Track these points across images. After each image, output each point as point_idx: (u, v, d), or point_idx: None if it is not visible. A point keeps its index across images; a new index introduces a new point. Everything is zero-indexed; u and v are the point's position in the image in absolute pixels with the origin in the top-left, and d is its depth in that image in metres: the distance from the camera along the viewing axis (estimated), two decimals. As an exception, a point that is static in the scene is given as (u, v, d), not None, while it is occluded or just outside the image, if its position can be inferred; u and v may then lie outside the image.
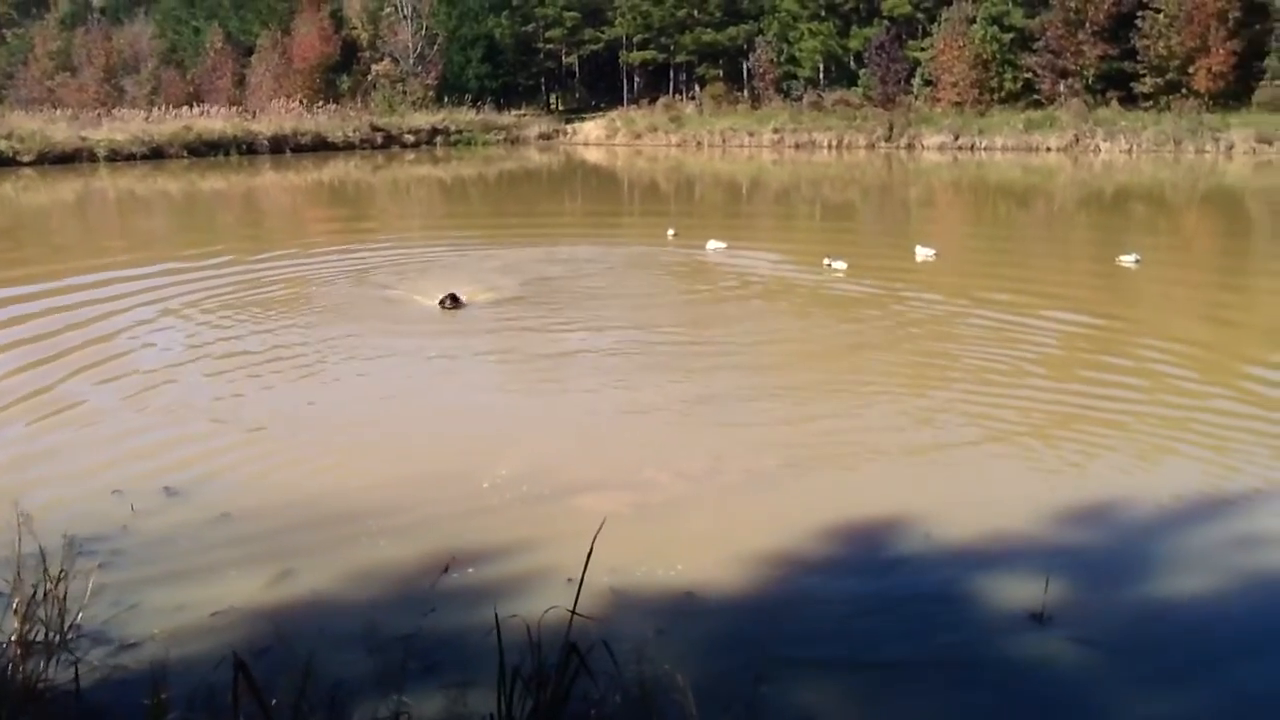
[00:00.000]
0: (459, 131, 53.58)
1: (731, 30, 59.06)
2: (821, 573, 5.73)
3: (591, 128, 57.55)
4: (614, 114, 59.20)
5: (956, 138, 45.48)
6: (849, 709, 4.41)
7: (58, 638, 4.54)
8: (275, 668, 3.99)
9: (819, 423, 8.35)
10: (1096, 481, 7.04)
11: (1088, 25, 46.04)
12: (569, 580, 4.93)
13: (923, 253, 16.43)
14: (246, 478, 7.22)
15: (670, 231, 19.51)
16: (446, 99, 56.64)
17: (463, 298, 12.61)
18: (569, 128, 58.11)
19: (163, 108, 51.81)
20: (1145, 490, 6.82)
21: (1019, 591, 5.34)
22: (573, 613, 3.47)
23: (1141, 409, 8.63)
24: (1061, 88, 47.33)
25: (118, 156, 42.62)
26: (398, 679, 3.86)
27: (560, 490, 6.84)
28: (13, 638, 4.33)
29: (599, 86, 66.84)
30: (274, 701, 3.42)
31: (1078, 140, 42.84)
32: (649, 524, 6.37)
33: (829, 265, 15.37)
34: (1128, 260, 15.71)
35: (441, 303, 12.36)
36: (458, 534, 6.04)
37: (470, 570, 5.58)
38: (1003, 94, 48.76)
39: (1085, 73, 46.73)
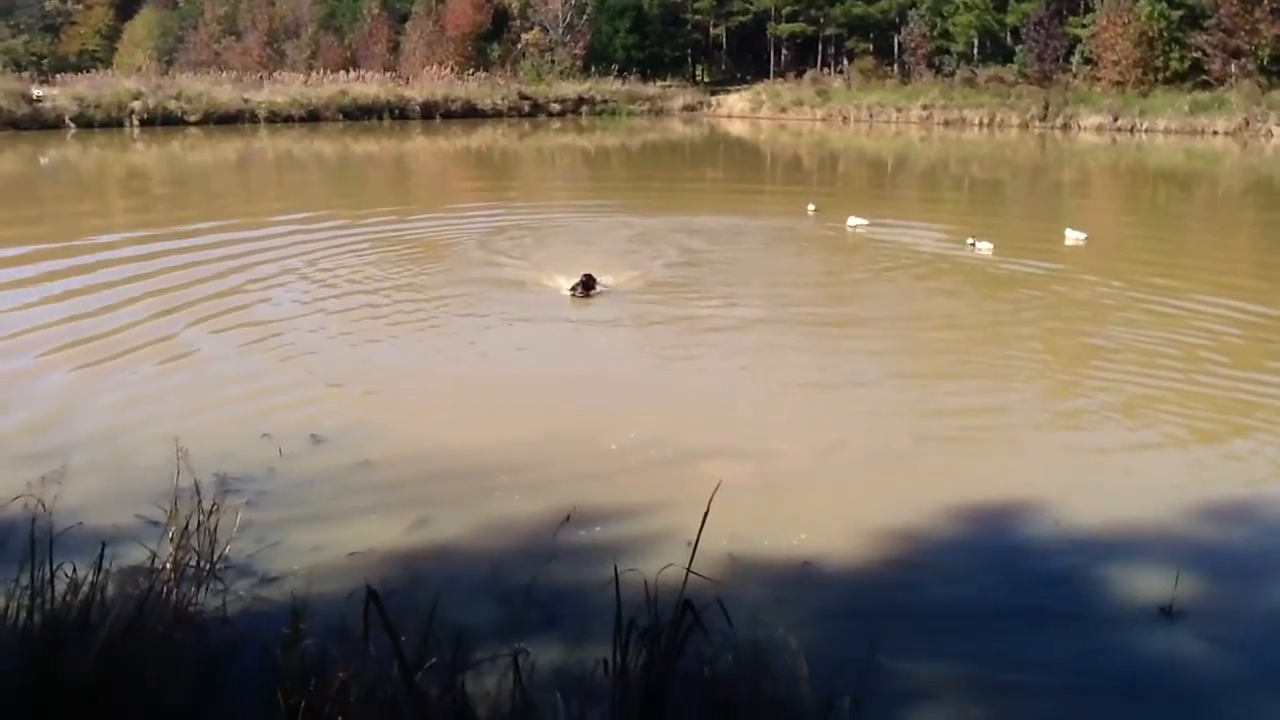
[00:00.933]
0: (604, 101, 53.97)
1: (883, 3, 57.74)
2: (944, 552, 5.66)
3: (736, 100, 57.19)
4: (759, 87, 58.66)
5: (1116, 119, 43.57)
6: (963, 692, 4.37)
7: (208, 566, 4.85)
8: (405, 607, 4.17)
9: (953, 402, 8.21)
10: (1239, 477, 6.76)
11: (1265, 2, 43.41)
12: (688, 543, 5.00)
13: (1073, 236, 15.88)
14: (387, 429, 7.52)
15: (811, 207, 19.33)
16: (593, 69, 57.08)
17: (598, 281, 11.58)
18: (713, 100, 57.87)
19: (320, 72, 53.65)
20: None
21: (1148, 584, 5.19)
22: (688, 570, 3.54)
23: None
24: (1233, 68, 44.76)
25: (277, 118, 44.42)
26: (519, 625, 4.01)
27: (687, 456, 6.93)
28: (167, 564, 4.63)
29: (745, 59, 66.30)
30: (402, 638, 3.59)
31: (1247, 124, 40.51)
32: (772, 494, 6.40)
33: (973, 246, 15.01)
34: (1294, 252, 14.88)
35: (573, 290, 11.37)
36: (584, 492, 6.18)
37: (594, 528, 5.72)
38: (1168, 74, 46.42)
39: (1260, 52, 44.05)
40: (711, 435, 7.44)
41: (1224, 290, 12.57)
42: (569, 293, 11.35)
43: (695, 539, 3.66)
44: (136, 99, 41.98)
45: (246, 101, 44.61)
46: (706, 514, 3.65)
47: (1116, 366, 9.20)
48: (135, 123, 41.31)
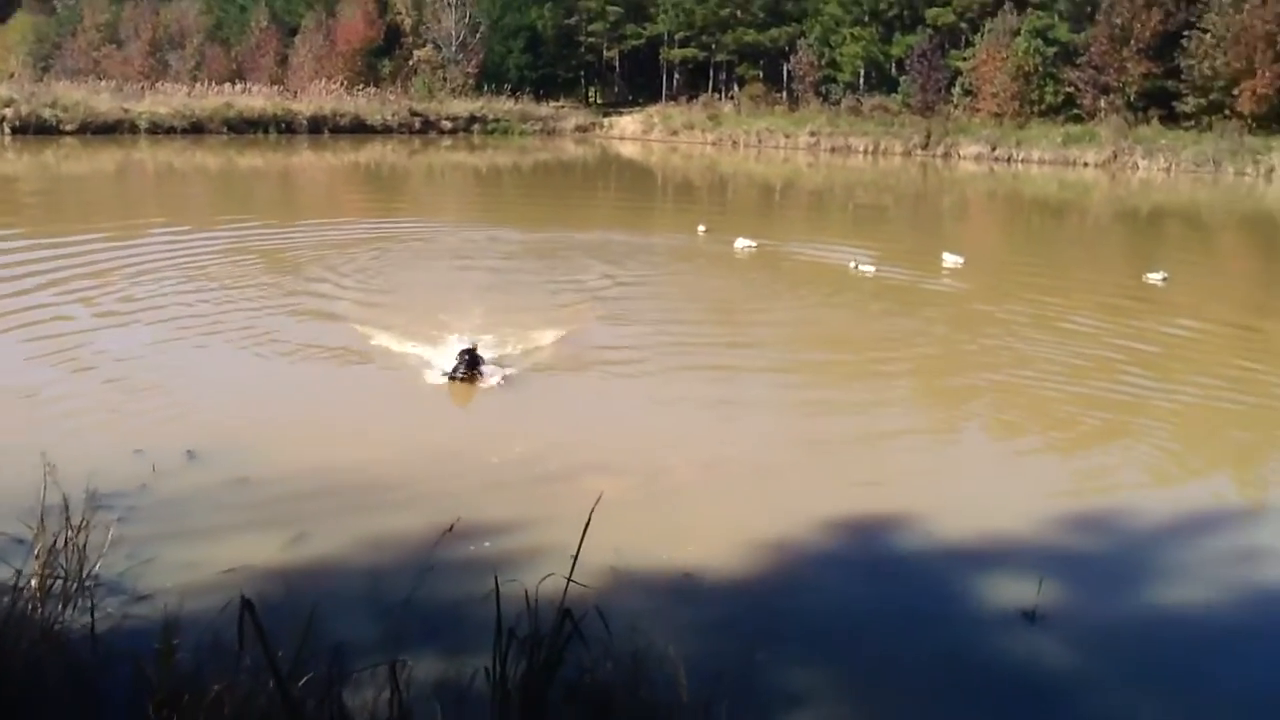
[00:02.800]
0: (496, 120, 53.79)
1: (774, 31, 58.91)
2: (820, 561, 5.83)
3: (628, 123, 57.61)
4: (652, 110, 59.21)
5: (994, 148, 45.20)
6: (837, 695, 4.50)
7: (75, 585, 4.69)
8: (282, 622, 4.11)
9: (833, 417, 8.46)
10: (1103, 487, 7.11)
11: (1133, 43, 45.61)
12: (569, 556, 5.05)
13: (951, 259, 16.43)
14: (264, 445, 7.39)
15: (701, 227, 19.60)
16: (486, 87, 56.87)
17: (480, 359, 8.89)
18: (606, 121, 58.19)
19: (205, 83, 52.32)
20: (1146, 499, 6.90)
21: (1014, 590, 5.42)
22: (569, 580, 3.58)
23: (1150, 420, 8.66)
24: (1102, 103, 46.94)
25: (158, 129, 43.11)
26: (398, 637, 3.99)
27: (569, 471, 6.97)
28: (33, 581, 4.47)
29: (638, 82, 66.87)
30: (279, 651, 3.54)
31: (1116, 157, 42.47)
32: (655, 507, 6.48)
33: (856, 269, 15.41)
34: (1155, 278, 15.64)
35: (454, 372, 8.67)
36: (464, 506, 6.15)
37: (475, 542, 5.72)
38: (1043, 107, 48.41)
39: (1127, 89, 46.31)
40: (595, 451, 7.50)
41: (1094, 309, 13.20)
42: (445, 377, 8.70)
43: (576, 550, 3.70)
44: (8, 106, 40.36)
45: (127, 111, 43.21)
46: (587, 525, 3.71)
47: (989, 381, 9.57)
48: (6, 130, 39.70)
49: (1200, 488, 7.34)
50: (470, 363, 8.60)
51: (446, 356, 9.01)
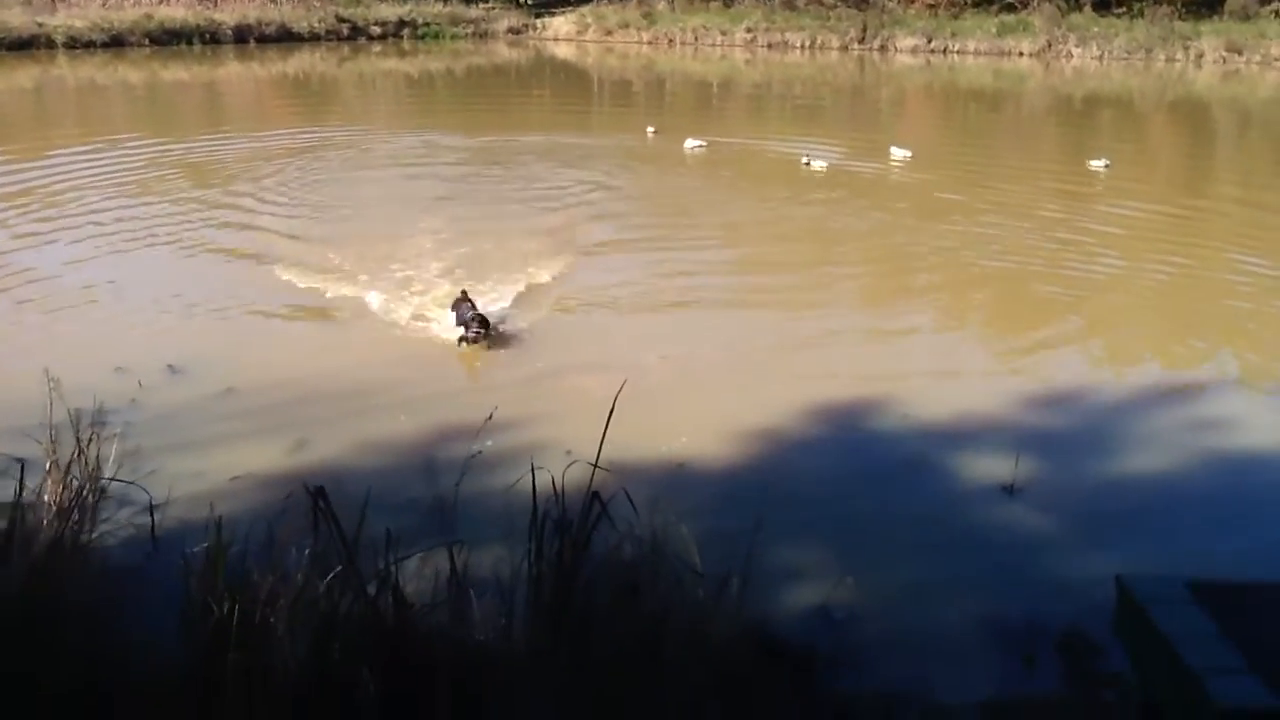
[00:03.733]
0: (427, 24, 52.33)
1: (705, -75, 57.75)
2: (808, 448, 6.09)
3: (562, 23, 56.40)
4: (585, 9, 57.98)
5: (929, 41, 45.10)
6: (836, 562, 4.78)
7: (91, 498, 4.78)
8: (303, 526, 4.25)
9: (805, 310, 8.68)
10: (1067, 366, 7.46)
11: (1063, -72, 45.52)
12: (567, 452, 5.26)
13: (899, 153, 16.60)
14: (245, 356, 7.44)
15: (650, 129, 19.51)
16: (413, -10, 55.26)
17: (489, 320, 7.88)
18: (539, 23, 56.91)
19: (120, -7, 50.23)
20: (1111, 375, 7.25)
21: (993, 466, 5.72)
22: (595, 465, 3.77)
23: (1113, 299, 9.03)
24: (1036, -8, 46.95)
25: (77, 44, 41.38)
26: (427, 528, 4.15)
27: (557, 372, 7.12)
28: (46, 497, 4.55)
29: (569, -20, 65.40)
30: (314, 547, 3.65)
31: (1050, 46, 42.64)
32: (646, 404, 6.63)
33: (807, 164, 15.52)
34: (1097, 165, 15.97)
35: (465, 338, 7.66)
36: (459, 410, 6.30)
37: (474, 441, 5.86)
38: (977, -3, 48.32)
39: (1059, -23, 46.33)
40: (580, 354, 7.64)
41: (1047, 196, 13.54)
42: (461, 343, 7.66)
43: (602, 436, 3.88)
44: (-90, 22, 38.54)
45: (40, 26, 41.39)
46: (611, 413, 3.89)
47: (957, 268, 9.86)
48: (-90, 48, 37.96)
49: (1160, 362, 7.73)
50: (481, 323, 7.64)
51: (429, 297, 8.82)
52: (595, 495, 3.68)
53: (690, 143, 17.53)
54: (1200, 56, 39.97)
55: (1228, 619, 3.03)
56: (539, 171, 15.14)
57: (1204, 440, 6.27)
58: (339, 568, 3.25)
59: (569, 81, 38.02)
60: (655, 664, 3.34)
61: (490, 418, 4.90)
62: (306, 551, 3.44)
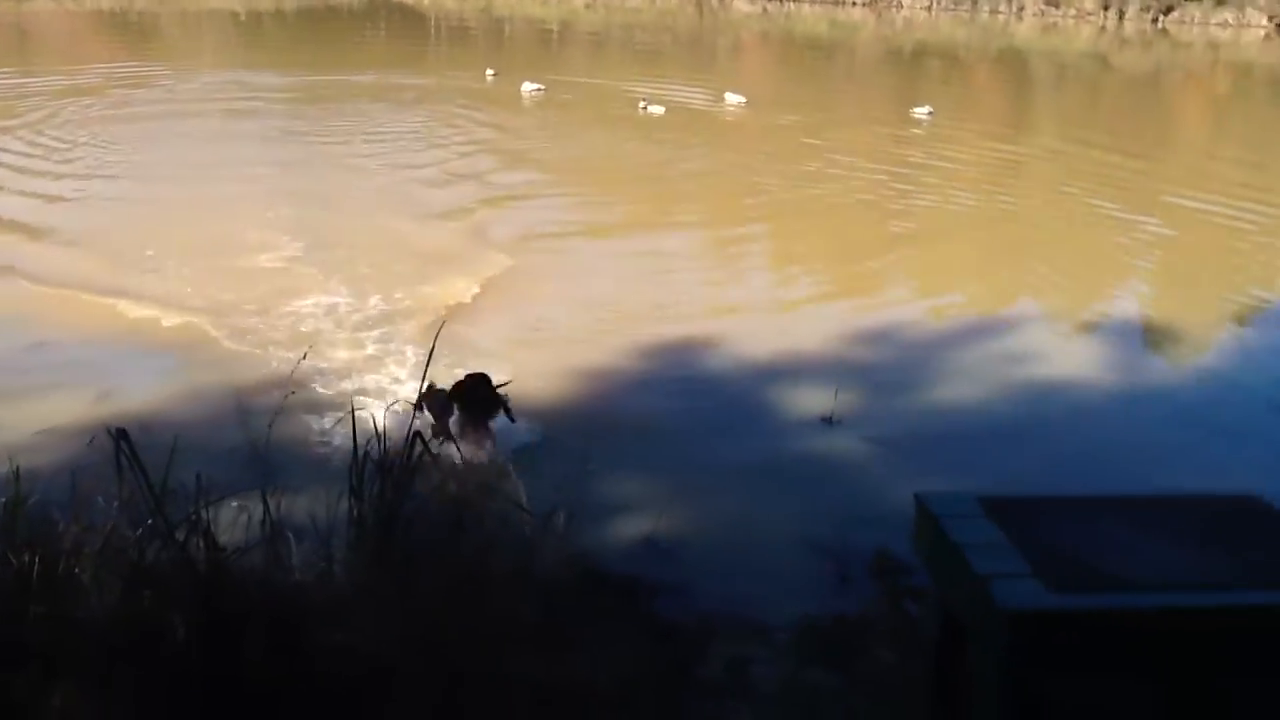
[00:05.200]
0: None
1: None
2: (635, 386, 6.18)
3: (395, -37, 54.73)
4: (419, -51, 56.38)
5: (766, -12, 45.69)
6: (660, 496, 4.88)
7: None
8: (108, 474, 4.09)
9: (631, 248, 8.77)
10: (882, 303, 7.77)
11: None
12: (388, 395, 5.25)
13: (733, 99, 16.82)
14: (54, 310, 7.07)
15: (489, 71, 19.22)
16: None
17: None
18: (372, -38, 55.11)
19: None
20: (927, 310, 7.58)
21: (814, 398, 5.92)
22: (416, 406, 3.74)
23: (924, 238, 9.42)
24: (868, -58, 47.87)
25: None
26: (243, 473, 4.05)
27: (378, 313, 7.02)
28: None
29: (402, -82, 63.32)
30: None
31: (882, -4, 43.76)
32: (467, 345, 6.61)
33: (645, 109, 15.56)
34: (921, 112, 16.53)
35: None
36: (274, 358, 6.14)
37: (290, 388, 5.72)
38: (812, -54, 48.99)
39: (890, -72, 47.33)
40: (402, 294, 7.52)
41: (870, 141, 13.97)
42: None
43: (423, 377, 3.86)
44: None
45: None
46: (432, 352, 3.85)
47: (780, 211, 10.11)
48: None
49: (973, 297, 8.12)
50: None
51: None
52: (417, 435, 3.66)
53: (528, 85, 17.35)
54: (1021, 10, 41.61)
55: (1015, 529, 3.23)
56: (372, 113, 14.76)
57: (1009, 370, 6.63)
58: (149, 516, 3.15)
59: (406, 23, 36.98)
60: (481, 597, 3.36)
61: (304, 358, 4.79)
62: (115, 502, 3.32)
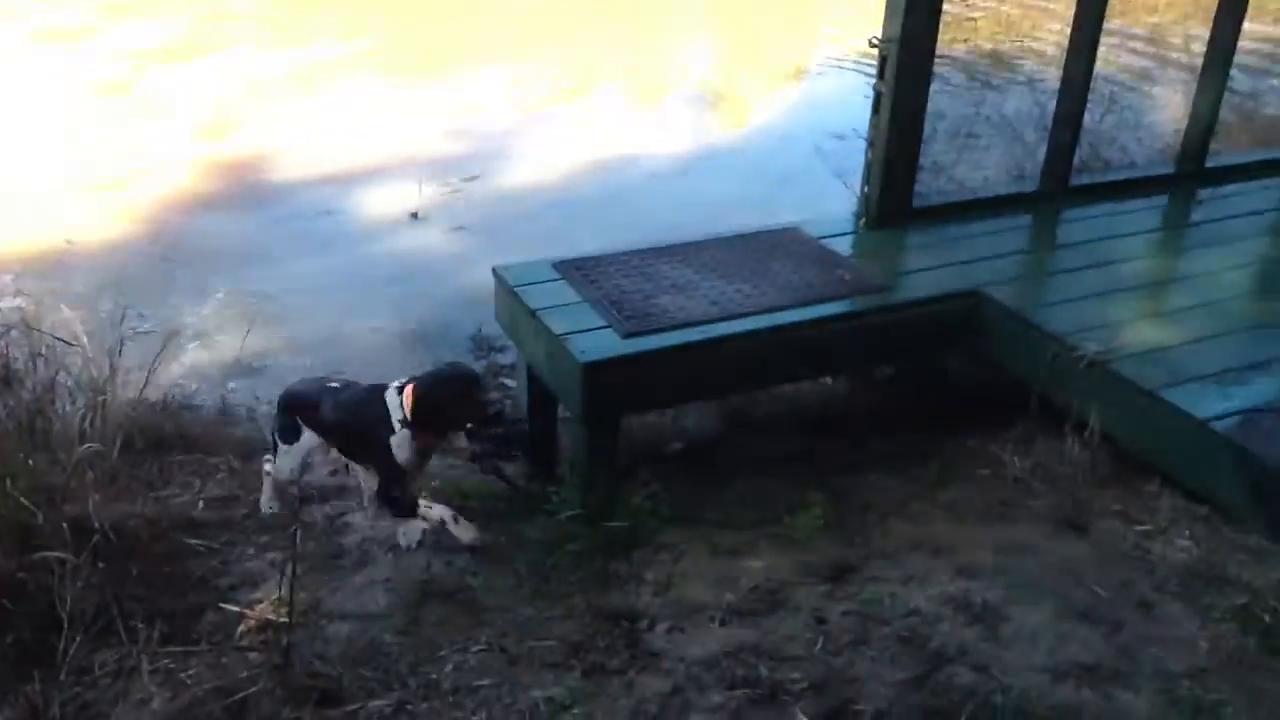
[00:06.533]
0: None
1: None
2: (216, 214, 5.82)
3: None
4: None
5: None
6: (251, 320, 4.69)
7: None
8: None
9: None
10: (462, 102, 7.70)
11: None
12: None
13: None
14: None
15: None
16: None
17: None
18: None
19: None
20: (500, 104, 7.61)
21: (397, 200, 5.86)
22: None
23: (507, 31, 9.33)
24: None
25: None
26: None
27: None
28: None
29: None
30: None
31: None
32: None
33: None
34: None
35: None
36: None
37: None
38: None
39: None
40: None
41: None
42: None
43: None
44: None
45: None
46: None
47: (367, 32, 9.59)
48: None
49: (554, 88, 8.20)
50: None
51: None
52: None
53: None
54: None
55: (587, 288, 3.38)
56: None
57: (586, 149, 6.85)
58: None
59: None
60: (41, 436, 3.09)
61: None
62: None
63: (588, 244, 3.88)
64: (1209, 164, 4.68)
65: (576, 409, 3.13)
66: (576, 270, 3.55)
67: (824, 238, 3.90)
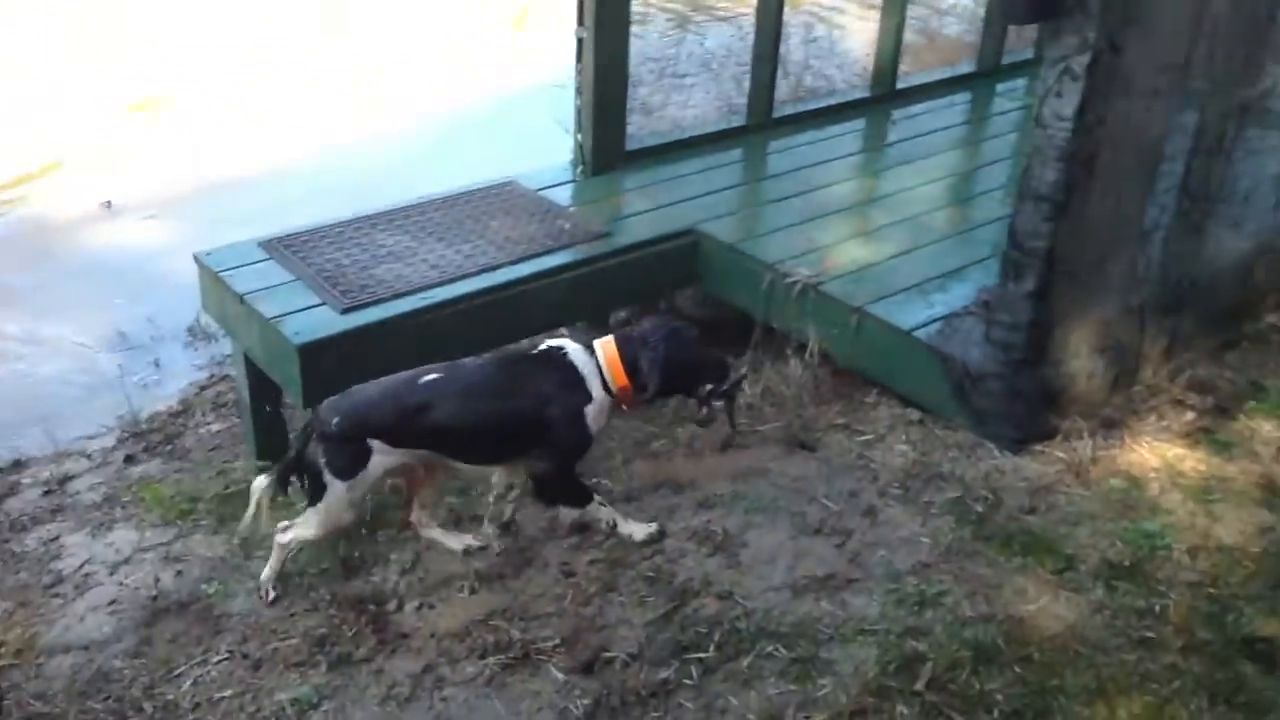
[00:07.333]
0: None
1: None
2: None
3: None
4: None
5: None
6: None
7: None
8: None
9: None
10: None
11: None
12: None
13: None
14: None
15: None
16: None
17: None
18: None
19: None
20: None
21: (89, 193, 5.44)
22: None
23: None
24: None
25: None
26: None
27: None
28: None
29: None
30: None
31: None
32: None
33: None
34: None
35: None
36: None
37: None
38: None
39: None
40: None
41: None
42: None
43: None
44: None
45: None
46: None
47: None
48: None
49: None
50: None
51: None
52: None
53: None
54: None
55: (298, 265, 3.21)
56: None
57: (272, 128, 6.52)
58: None
59: None
60: None
61: None
62: None
63: (292, 218, 3.65)
64: (900, 85, 4.93)
65: (297, 394, 2.97)
66: (285, 248, 3.36)
67: (543, 189, 3.86)
